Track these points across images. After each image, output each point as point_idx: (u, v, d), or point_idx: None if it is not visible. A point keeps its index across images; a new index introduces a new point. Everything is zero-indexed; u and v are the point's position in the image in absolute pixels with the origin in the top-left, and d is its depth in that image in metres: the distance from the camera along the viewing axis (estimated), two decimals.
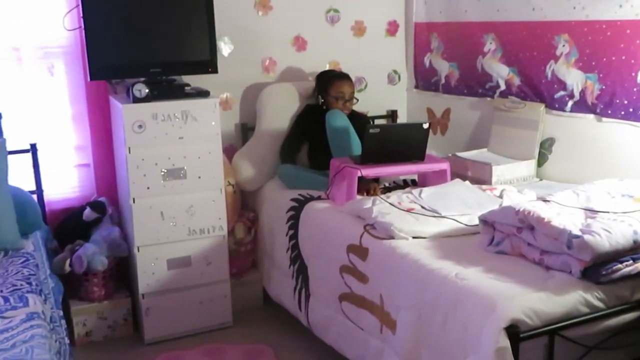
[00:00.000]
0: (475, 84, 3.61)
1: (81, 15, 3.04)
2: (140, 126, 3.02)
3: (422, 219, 2.62)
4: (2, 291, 2.17)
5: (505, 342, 1.88)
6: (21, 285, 2.22)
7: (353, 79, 3.56)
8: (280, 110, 3.64)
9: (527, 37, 3.25)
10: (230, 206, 3.41)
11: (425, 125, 3.03)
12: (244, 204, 3.64)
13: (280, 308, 3.42)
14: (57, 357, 2.00)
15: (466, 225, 2.59)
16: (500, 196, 2.83)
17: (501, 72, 3.43)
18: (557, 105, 3.15)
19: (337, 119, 3.29)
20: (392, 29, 4.07)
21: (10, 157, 2.73)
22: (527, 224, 2.22)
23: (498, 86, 3.46)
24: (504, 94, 3.44)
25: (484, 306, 1.98)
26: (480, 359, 1.94)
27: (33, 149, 3.23)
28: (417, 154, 3.07)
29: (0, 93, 3.18)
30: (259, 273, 3.62)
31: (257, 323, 3.44)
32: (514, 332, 1.88)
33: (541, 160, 3.27)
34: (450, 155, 3.37)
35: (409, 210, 2.69)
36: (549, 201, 2.35)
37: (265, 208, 3.47)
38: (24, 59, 3.21)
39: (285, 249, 3.23)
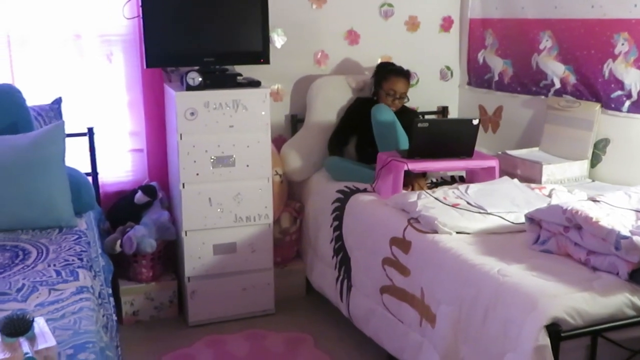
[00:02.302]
0: (529, 81, 3.54)
1: (140, 4, 3.13)
2: (192, 114, 3.09)
3: (467, 214, 2.60)
4: (54, 265, 2.27)
5: (546, 341, 1.85)
6: (73, 260, 2.31)
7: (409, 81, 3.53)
8: (331, 103, 3.66)
9: (584, 35, 3.17)
10: (277, 196, 3.45)
11: (475, 122, 2.99)
12: (290, 194, 3.68)
13: (321, 298, 3.44)
14: (104, 331, 2.07)
15: (512, 223, 2.55)
16: (550, 195, 2.78)
17: (556, 70, 3.36)
18: (613, 105, 3.07)
19: (383, 113, 3.29)
20: (446, 24, 4.03)
21: (68, 139, 2.83)
22: (575, 223, 2.18)
23: (553, 84, 3.39)
24: (558, 93, 3.36)
25: (525, 303, 1.96)
26: (520, 356, 1.92)
27: (90, 132, 3.34)
28: (465, 150, 3.04)
29: (61, 78, 3.30)
30: (303, 263, 3.65)
31: (298, 312, 3.47)
32: (555, 331, 1.86)
33: (594, 161, 3.19)
34: (500, 153, 3.32)
35: (454, 206, 2.67)
36: (598, 201, 2.30)
37: (311, 199, 3.50)
38: (85, 45, 3.33)
39: (329, 240, 3.25)
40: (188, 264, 3.25)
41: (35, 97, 3.14)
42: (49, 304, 1.95)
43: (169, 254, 3.47)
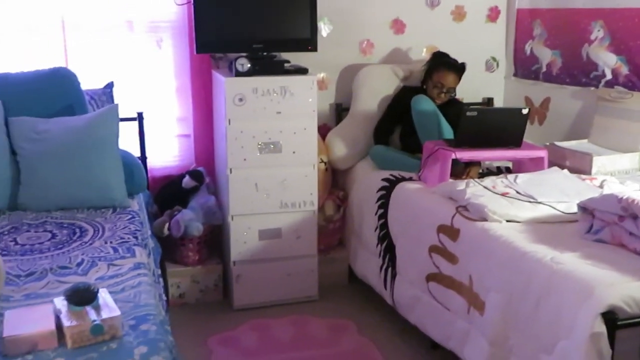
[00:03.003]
0: (578, 72, 3.49)
1: None
2: (240, 99, 3.13)
3: (517, 203, 2.58)
4: (111, 242, 2.33)
5: (602, 328, 1.84)
6: (128, 238, 2.37)
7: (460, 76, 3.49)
8: (376, 92, 3.66)
9: (638, 24, 3.11)
10: (322, 183, 3.47)
11: (525, 111, 2.97)
12: (334, 183, 3.70)
13: (364, 287, 3.46)
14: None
15: (563, 212, 2.52)
16: (601, 186, 2.74)
17: (608, 61, 3.30)
18: None
19: (422, 103, 3.27)
20: (493, 14, 4.00)
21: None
22: (630, 212, 2.15)
23: (604, 75, 3.34)
24: (609, 84, 3.31)
25: (580, 291, 1.94)
26: (574, 344, 1.91)
27: (139, 117, 3.40)
28: (513, 140, 3.02)
29: (113, 63, 3.37)
30: (345, 251, 3.66)
31: (341, 299, 3.49)
32: (612, 319, 1.84)
33: None
34: (547, 144, 3.29)
35: (503, 195, 2.65)
36: None
37: (356, 187, 3.51)
38: (136, 32, 3.39)
39: (373, 228, 3.26)
40: (234, 249, 3.30)
41: (87, 81, 3.21)
42: (109, 278, 2.00)
43: (215, 238, 3.52)
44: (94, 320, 1.57)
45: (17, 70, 3.00)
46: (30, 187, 2.69)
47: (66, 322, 1.60)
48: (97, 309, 1.65)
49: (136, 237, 2.38)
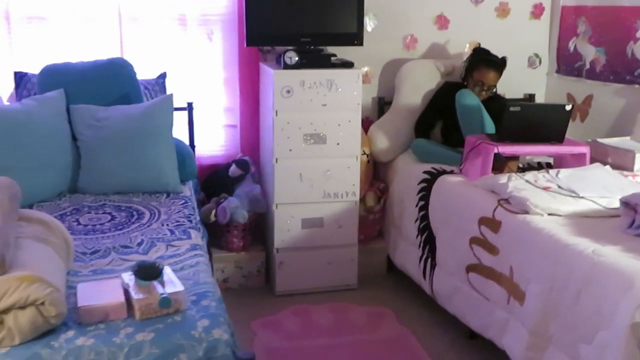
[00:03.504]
0: (622, 70, 3.50)
1: None
2: (288, 91, 3.23)
3: (559, 197, 2.62)
4: (167, 225, 2.45)
5: None
6: (183, 222, 2.49)
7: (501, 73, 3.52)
8: (418, 87, 3.72)
9: None
10: (363, 175, 3.56)
11: (568, 107, 3.01)
12: (375, 175, 3.78)
13: (402, 277, 3.53)
14: None
15: (605, 207, 2.56)
16: None
17: None
18: None
19: (467, 98, 3.32)
20: (537, 11, 4.02)
21: None
22: None
23: None
24: None
25: (621, 283, 1.99)
26: (613, 333, 1.96)
27: (189, 107, 3.53)
28: (556, 135, 3.06)
29: (166, 55, 3.49)
30: (384, 242, 3.75)
31: (380, 288, 3.58)
32: None
33: None
34: (590, 141, 3.31)
35: (545, 189, 2.70)
36: None
37: (397, 179, 3.58)
38: (188, 25, 3.51)
39: (414, 220, 3.33)
40: (277, 236, 3.40)
41: (141, 71, 3.34)
42: (168, 257, 2.12)
43: (258, 226, 3.63)
44: (162, 294, 1.69)
45: (77, 60, 3.14)
46: (89, 172, 2.84)
47: (135, 295, 1.73)
48: (162, 284, 1.77)
49: (190, 221, 2.50)
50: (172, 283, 1.78)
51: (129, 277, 1.81)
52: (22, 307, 1.59)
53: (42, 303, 1.59)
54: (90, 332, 1.65)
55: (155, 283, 1.75)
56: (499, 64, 3.46)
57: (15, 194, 1.86)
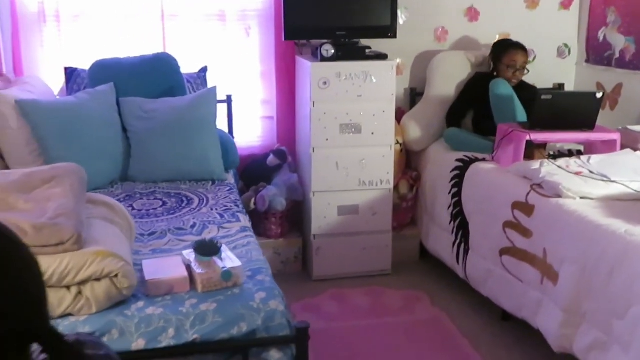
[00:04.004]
0: None
1: None
2: (325, 83, 3.35)
3: (591, 181, 2.71)
4: (216, 209, 2.60)
5: None
6: (231, 207, 2.63)
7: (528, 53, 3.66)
8: (450, 78, 3.82)
9: None
10: (397, 163, 3.67)
11: (599, 95, 3.08)
12: (407, 164, 3.89)
13: (435, 263, 3.64)
14: None
15: (636, 191, 2.64)
16: None
17: None
18: None
19: (501, 87, 3.42)
20: (566, 2, 4.09)
21: None
22: None
23: None
24: None
25: None
26: None
27: (229, 100, 3.67)
28: (586, 123, 3.14)
29: (206, 50, 3.64)
30: (417, 229, 3.86)
31: (413, 274, 3.69)
32: None
33: None
34: (620, 128, 3.38)
35: (577, 174, 2.79)
36: None
37: (429, 168, 3.69)
38: (227, 20, 3.65)
39: (447, 206, 3.44)
40: (315, 223, 3.53)
41: (183, 65, 3.48)
42: (221, 238, 2.26)
43: (295, 214, 3.76)
44: (223, 267, 1.83)
45: (123, 56, 3.30)
46: (139, 161, 2.99)
47: (197, 270, 1.87)
48: (221, 259, 1.91)
49: (237, 206, 2.64)
50: (230, 259, 1.92)
51: (189, 254, 1.95)
52: (98, 279, 1.74)
53: (116, 275, 1.74)
54: (159, 303, 1.80)
55: (215, 259, 1.89)
56: (523, 46, 3.60)
57: (83, 178, 2.01)
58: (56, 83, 3.44)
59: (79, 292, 1.73)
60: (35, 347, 0.83)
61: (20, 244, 0.81)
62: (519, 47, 3.58)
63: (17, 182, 1.90)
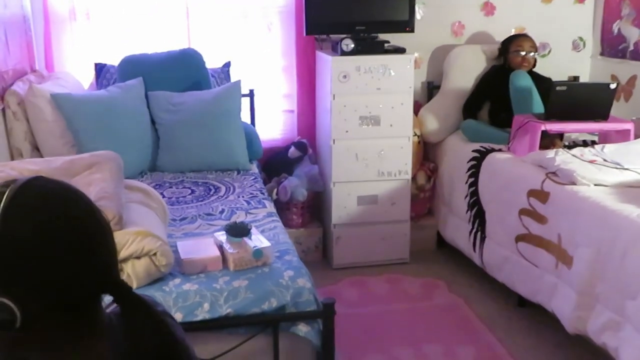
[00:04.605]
0: None
1: None
2: (345, 76, 3.46)
3: (604, 169, 2.79)
4: (243, 197, 2.72)
5: None
6: (257, 194, 2.75)
7: (537, 44, 3.76)
8: (466, 71, 3.91)
9: None
10: (415, 155, 3.77)
11: (613, 86, 3.16)
12: (425, 155, 3.98)
13: (452, 252, 3.74)
14: None
15: None
16: None
17: None
18: None
19: (521, 79, 3.51)
20: None
21: None
22: None
23: None
24: None
25: None
26: None
27: (251, 94, 3.79)
28: (601, 113, 3.21)
29: (230, 45, 3.76)
30: (434, 219, 3.96)
31: (431, 262, 3.79)
32: None
33: None
34: (634, 118, 3.45)
35: (591, 162, 2.87)
36: None
37: (446, 159, 3.78)
38: (250, 17, 3.77)
39: (464, 196, 3.53)
40: (335, 213, 3.64)
41: (207, 60, 3.60)
42: (249, 222, 2.37)
43: (316, 204, 3.87)
44: (255, 247, 1.94)
45: (151, 51, 3.43)
46: (167, 152, 3.12)
47: (229, 250, 1.98)
48: (251, 240, 2.02)
49: (263, 193, 2.76)
50: (259, 240, 2.04)
51: (221, 236, 2.07)
52: (138, 257, 1.86)
53: (155, 254, 1.86)
54: (194, 280, 1.92)
55: (246, 239, 2.00)
56: (526, 34, 3.77)
57: (120, 165, 2.13)
58: (85, 78, 3.58)
59: (121, 269, 1.85)
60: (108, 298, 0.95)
61: (96, 210, 0.93)
62: (523, 35, 3.75)
63: (60, 169, 2.02)
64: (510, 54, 3.69)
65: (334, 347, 1.97)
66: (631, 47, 3.88)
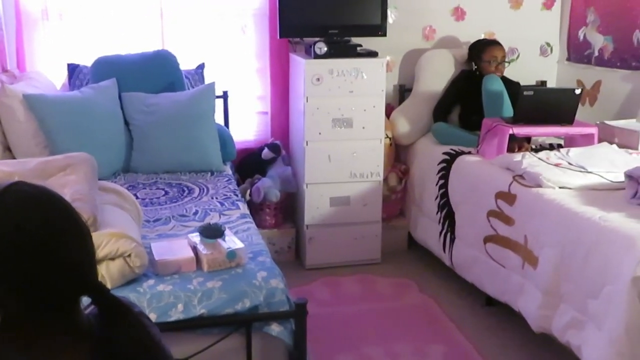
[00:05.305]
0: (629, 57, 3.74)
1: None
2: (318, 79, 3.50)
3: (569, 172, 2.88)
4: (217, 198, 2.75)
5: None
6: (230, 195, 2.78)
7: (506, 49, 3.84)
8: (437, 74, 3.98)
9: None
10: (386, 157, 3.83)
11: (578, 91, 3.26)
12: (396, 157, 4.05)
13: (422, 252, 3.81)
14: None
15: (611, 181, 2.81)
16: None
17: None
18: None
19: (494, 83, 3.59)
20: (548, 2, 4.26)
21: None
22: None
23: None
24: None
25: (624, 243, 2.25)
26: (617, 287, 2.22)
27: (225, 95, 3.81)
28: (566, 118, 3.31)
29: (204, 47, 3.77)
30: (405, 220, 4.02)
31: (401, 262, 3.85)
32: None
33: None
34: (598, 122, 3.55)
35: (556, 165, 2.96)
36: None
37: (418, 160, 3.85)
38: (224, 19, 3.79)
39: (434, 197, 3.60)
40: (308, 213, 3.68)
41: (181, 62, 3.61)
42: (222, 224, 2.40)
43: (289, 205, 3.91)
44: (229, 248, 1.98)
45: (124, 53, 3.43)
46: (141, 153, 3.13)
47: (203, 251, 2.01)
48: (225, 242, 2.05)
49: (236, 195, 2.79)
50: (233, 241, 2.07)
51: (195, 237, 2.09)
52: (112, 259, 1.88)
53: (129, 255, 1.88)
54: (168, 281, 1.95)
55: (220, 241, 2.03)
56: (498, 41, 3.82)
57: (94, 167, 2.15)
58: (58, 79, 3.56)
59: None
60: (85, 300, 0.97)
61: (75, 212, 0.96)
62: (496, 43, 3.79)
63: (34, 170, 2.03)
64: (483, 62, 3.76)
65: (306, 346, 2.02)
66: (596, 53, 4.00)
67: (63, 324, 0.92)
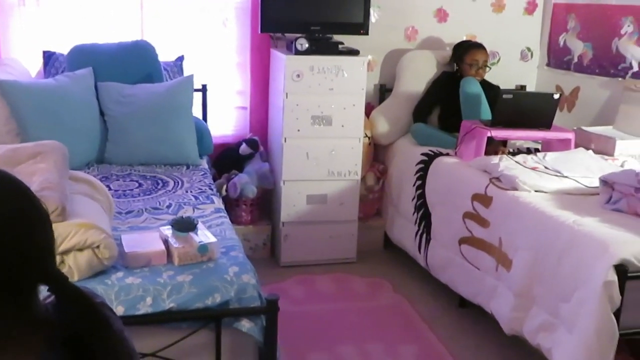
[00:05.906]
0: (608, 64, 3.78)
1: None
2: (298, 75, 3.48)
3: (545, 176, 2.89)
4: (191, 192, 2.71)
5: (614, 278, 2.16)
6: (205, 189, 2.74)
7: (487, 52, 3.85)
8: (418, 75, 3.98)
9: None
10: (365, 156, 3.81)
11: (556, 96, 3.27)
12: (375, 157, 4.04)
13: (398, 252, 3.80)
14: None
15: (586, 186, 2.83)
16: (622, 165, 3.04)
17: (636, 54, 3.58)
18: None
19: (472, 86, 3.60)
20: (530, 8, 4.29)
21: None
22: None
23: (631, 67, 3.62)
24: (636, 75, 3.59)
25: (597, 247, 2.27)
26: (589, 291, 2.23)
27: (204, 89, 3.77)
28: (544, 122, 3.32)
29: (184, 39, 3.73)
30: (382, 220, 4.02)
31: (377, 262, 3.84)
32: (623, 270, 2.16)
33: None
34: (575, 128, 3.58)
35: (533, 169, 2.97)
36: None
37: (396, 161, 3.85)
38: (206, 12, 3.75)
39: (411, 198, 3.60)
40: (284, 211, 3.66)
41: (160, 53, 3.56)
42: (196, 218, 2.36)
43: (265, 202, 3.88)
44: (200, 241, 1.94)
45: (102, 42, 3.37)
46: (116, 144, 3.08)
47: (174, 244, 1.98)
48: (197, 235, 2.02)
49: (212, 189, 2.75)
50: (205, 235, 2.04)
51: (167, 230, 2.06)
52: (81, 250, 1.83)
53: (98, 246, 1.84)
54: (137, 274, 1.91)
55: (192, 234, 2.00)
56: (482, 45, 3.81)
57: (65, 155, 2.10)
58: (33, 66, 3.49)
59: (62, 261, 1.82)
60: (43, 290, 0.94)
61: (34, 197, 0.92)
62: (479, 46, 3.79)
63: (2, 157, 1.98)
64: (464, 64, 3.77)
65: (277, 343, 1.99)
66: (575, 60, 4.03)
67: (19, 314, 0.89)
